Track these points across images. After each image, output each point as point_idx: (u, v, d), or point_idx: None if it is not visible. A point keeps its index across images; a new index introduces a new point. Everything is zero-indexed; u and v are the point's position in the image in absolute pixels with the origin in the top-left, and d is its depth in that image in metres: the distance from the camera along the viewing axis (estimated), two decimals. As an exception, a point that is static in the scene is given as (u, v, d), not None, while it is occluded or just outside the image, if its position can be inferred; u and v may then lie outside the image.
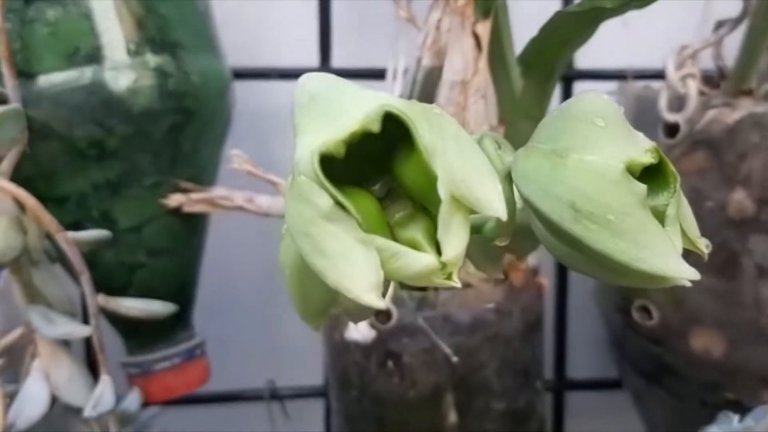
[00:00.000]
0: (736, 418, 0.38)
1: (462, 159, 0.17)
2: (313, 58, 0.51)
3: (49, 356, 0.36)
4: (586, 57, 0.56)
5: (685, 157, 0.41)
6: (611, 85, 0.52)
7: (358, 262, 0.16)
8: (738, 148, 0.40)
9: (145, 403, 0.42)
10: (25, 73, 0.36)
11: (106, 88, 0.37)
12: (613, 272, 0.21)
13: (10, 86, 0.34)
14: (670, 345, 0.44)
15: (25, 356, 0.37)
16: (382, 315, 0.40)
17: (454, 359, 0.39)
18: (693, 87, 0.41)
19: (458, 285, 0.17)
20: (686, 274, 0.20)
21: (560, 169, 0.20)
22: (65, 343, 0.38)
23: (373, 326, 0.40)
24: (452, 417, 0.40)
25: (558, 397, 0.56)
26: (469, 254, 0.29)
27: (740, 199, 0.40)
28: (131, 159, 0.38)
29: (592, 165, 0.20)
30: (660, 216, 0.21)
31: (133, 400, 0.39)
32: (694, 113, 0.41)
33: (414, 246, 0.18)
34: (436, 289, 0.41)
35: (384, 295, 0.17)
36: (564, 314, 0.55)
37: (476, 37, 0.34)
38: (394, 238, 0.18)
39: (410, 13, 0.38)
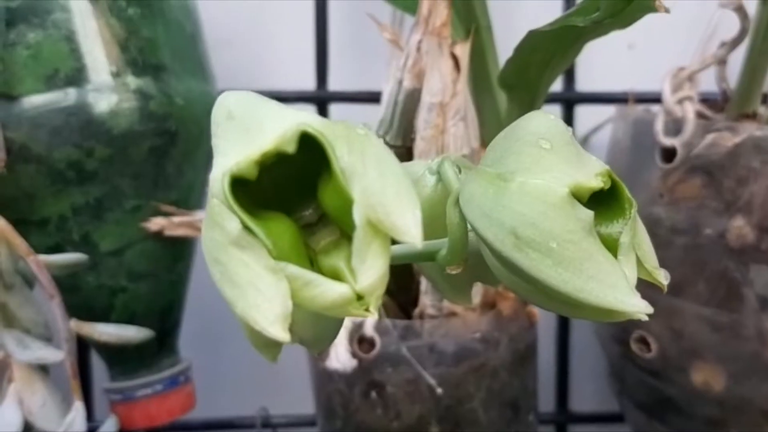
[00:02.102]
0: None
1: (382, 183, 0.16)
2: (310, 81, 0.51)
3: (24, 381, 0.36)
4: (590, 80, 0.55)
5: (683, 182, 0.40)
6: (613, 109, 0.50)
7: (266, 292, 0.16)
8: (737, 173, 0.38)
9: (128, 431, 0.41)
10: (6, 96, 0.36)
11: (86, 110, 0.36)
12: (560, 303, 0.19)
13: (-12, 108, 0.34)
14: (670, 378, 0.42)
15: (2, 380, 0.37)
16: (365, 344, 0.39)
17: (439, 390, 0.38)
18: (690, 110, 0.40)
19: (374, 316, 0.16)
20: (636, 307, 0.18)
21: (503, 193, 0.19)
22: (42, 368, 0.37)
23: (356, 355, 0.38)
24: (437, 450, 0.39)
25: (560, 430, 0.55)
26: (436, 283, 0.28)
27: (740, 227, 0.39)
28: (112, 181, 0.38)
29: (534, 189, 0.18)
30: (614, 244, 0.20)
31: (109, 426, 0.38)
32: (693, 137, 0.39)
33: (336, 274, 0.17)
34: (421, 316, 0.40)
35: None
36: (566, 345, 0.54)
37: (455, 59, 0.33)
38: (318, 266, 0.18)
39: (396, 35, 0.38)
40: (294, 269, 0.16)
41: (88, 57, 0.37)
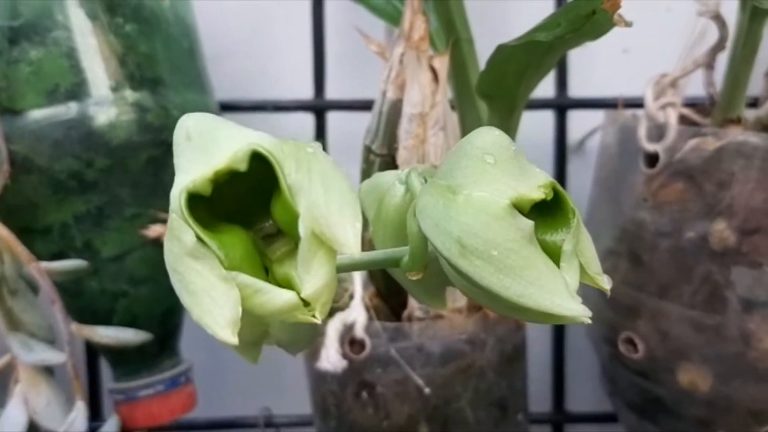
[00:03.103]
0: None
1: (326, 198, 0.17)
2: (308, 91, 0.52)
3: (29, 382, 0.37)
4: (586, 85, 0.56)
5: (666, 187, 0.41)
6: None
7: (218, 299, 0.17)
8: (719, 178, 0.39)
9: (131, 430, 0.43)
10: (9, 110, 0.38)
11: (86, 123, 0.38)
12: (506, 307, 0.21)
13: (-7, 123, 0.36)
14: (658, 378, 0.43)
15: (9, 382, 0.39)
16: (356, 345, 0.40)
17: (427, 390, 0.39)
18: (672, 116, 0.41)
19: (318, 320, 0.17)
20: (573, 311, 0.19)
21: (451, 204, 0.20)
22: (47, 370, 0.39)
23: (347, 357, 0.40)
24: (426, 449, 0.40)
25: (557, 430, 0.55)
26: (409, 289, 0.29)
27: (721, 230, 0.39)
28: (112, 191, 0.39)
29: (478, 201, 0.20)
30: (559, 252, 0.21)
31: (111, 425, 0.40)
32: (675, 142, 0.40)
33: (288, 281, 0.18)
34: (410, 319, 0.41)
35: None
36: (562, 346, 0.55)
37: (434, 71, 0.34)
38: (274, 273, 0.19)
39: (382, 48, 0.39)
40: (244, 278, 0.17)
41: (88, 72, 0.38)
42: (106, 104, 0.39)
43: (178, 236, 0.17)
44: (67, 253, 0.40)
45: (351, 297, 0.41)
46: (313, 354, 0.43)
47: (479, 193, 0.20)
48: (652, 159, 0.41)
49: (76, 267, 0.38)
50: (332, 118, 0.53)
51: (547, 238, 0.21)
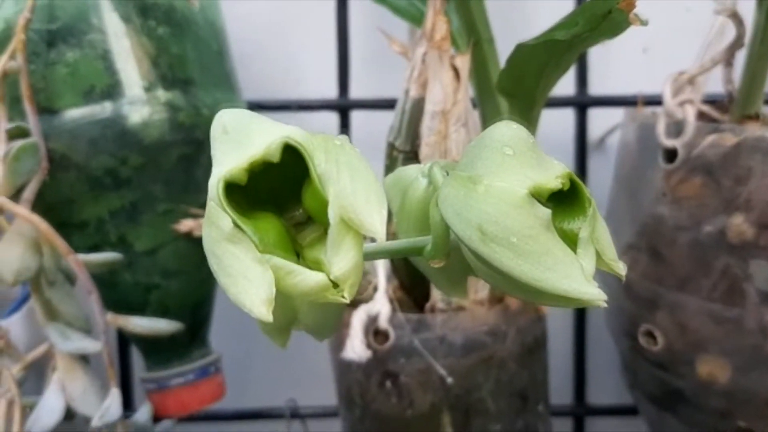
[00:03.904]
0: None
1: (353, 186, 0.19)
2: (332, 90, 0.54)
3: (66, 370, 0.39)
4: (605, 83, 0.56)
5: (684, 182, 0.41)
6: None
7: (253, 280, 0.18)
8: (736, 172, 0.40)
9: (162, 417, 0.44)
10: (47, 110, 0.39)
11: (120, 122, 0.40)
12: (524, 291, 0.22)
13: (32, 122, 0.38)
14: (677, 371, 0.44)
15: (47, 370, 0.41)
16: (380, 336, 0.41)
17: (449, 380, 0.40)
18: (690, 112, 0.41)
19: (347, 300, 0.19)
20: (590, 295, 0.20)
21: (472, 194, 0.21)
22: (83, 358, 0.40)
23: (371, 347, 0.41)
24: (449, 437, 0.41)
25: (578, 423, 0.56)
26: (431, 278, 0.30)
27: (739, 224, 0.40)
28: (145, 187, 0.41)
29: (497, 190, 0.21)
30: (576, 239, 0.22)
31: (143, 412, 0.41)
32: (693, 138, 0.41)
33: (318, 265, 0.19)
34: (433, 310, 0.42)
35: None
36: (583, 339, 0.55)
37: (455, 70, 0.35)
38: (304, 258, 0.20)
39: (404, 47, 0.40)
40: (278, 260, 0.18)
41: (122, 73, 0.40)
42: (140, 104, 0.40)
43: (216, 222, 0.19)
44: (102, 247, 0.41)
45: (375, 289, 0.42)
46: (339, 345, 0.44)
47: (499, 183, 0.21)
48: (670, 155, 0.42)
49: (112, 259, 0.39)
50: (356, 116, 0.54)
51: (565, 227, 0.22)
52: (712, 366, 0.43)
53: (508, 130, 0.22)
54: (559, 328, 0.53)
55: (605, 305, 0.21)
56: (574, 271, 0.21)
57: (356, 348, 0.40)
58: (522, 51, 0.30)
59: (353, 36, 0.53)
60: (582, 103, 0.53)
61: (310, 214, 0.20)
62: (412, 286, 0.43)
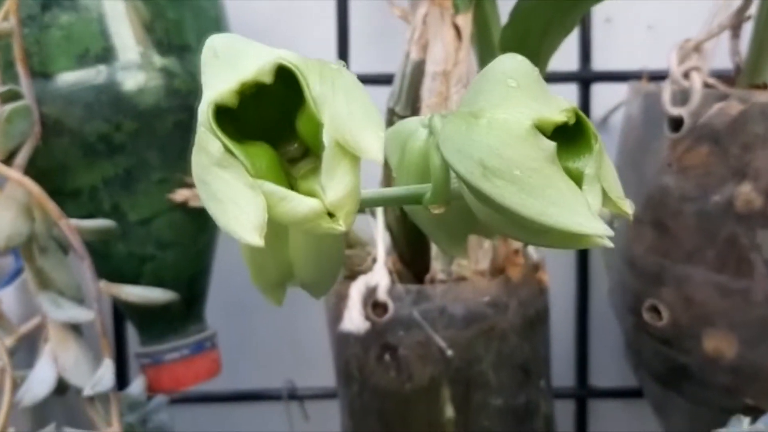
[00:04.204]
0: (746, 421, 0.37)
1: (349, 109, 0.18)
2: (332, 65, 0.53)
3: (58, 340, 0.38)
4: (611, 61, 0.56)
5: (690, 151, 0.41)
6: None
7: (244, 206, 0.17)
8: (743, 140, 0.39)
9: (157, 392, 0.43)
10: (41, 74, 0.39)
11: (115, 87, 0.39)
12: (527, 231, 0.21)
13: (24, 85, 0.37)
14: (682, 346, 0.43)
15: (39, 340, 0.40)
16: (379, 308, 0.41)
17: (449, 352, 0.39)
18: (697, 80, 0.40)
19: (342, 228, 0.18)
20: (596, 230, 0.19)
21: (474, 128, 0.20)
22: (75, 329, 0.40)
23: (369, 319, 0.40)
24: (449, 411, 0.40)
25: (581, 405, 0.55)
26: (431, 234, 0.30)
27: (747, 192, 0.39)
28: (139, 154, 0.40)
29: (500, 123, 0.20)
30: (581, 178, 0.21)
31: (137, 386, 0.40)
32: (699, 107, 0.40)
33: (312, 194, 0.18)
34: (432, 282, 0.41)
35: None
36: (585, 321, 0.54)
37: (457, 29, 0.34)
38: (298, 189, 0.19)
39: (404, 11, 0.39)
40: (269, 186, 0.18)
41: (117, 37, 0.39)
42: (135, 69, 0.39)
43: (206, 148, 0.18)
44: (95, 216, 0.40)
45: (374, 261, 0.41)
46: (336, 319, 0.43)
47: (502, 115, 0.20)
48: (676, 123, 0.41)
49: (106, 227, 0.38)
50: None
51: (570, 165, 0.21)
52: (719, 340, 0.42)
53: (512, 62, 0.21)
54: (561, 310, 0.52)
55: (610, 244, 0.20)
56: (580, 205, 0.20)
57: (354, 319, 0.39)
58: (525, 3, 0.30)
59: (353, 10, 0.53)
60: (585, 79, 0.53)
61: (304, 140, 0.19)
62: (412, 258, 0.43)
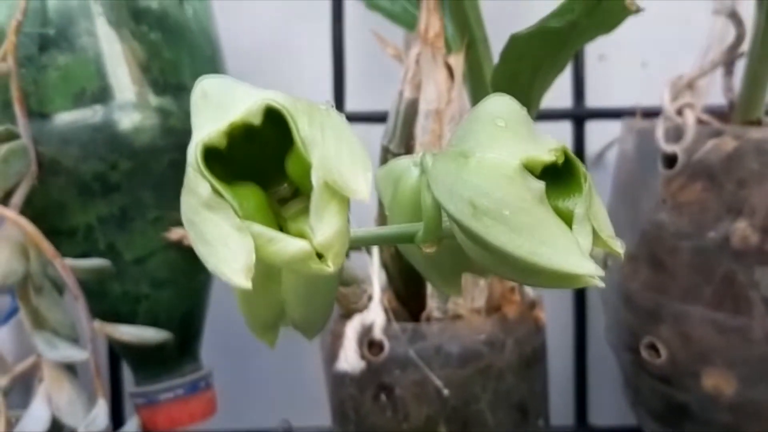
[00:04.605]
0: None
1: (338, 150, 0.18)
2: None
3: (53, 380, 0.38)
4: (604, 98, 0.56)
5: (685, 187, 0.41)
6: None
7: (232, 247, 0.17)
8: (738, 176, 0.39)
9: (151, 433, 0.43)
10: (38, 114, 0.39)
11: (111, 126, 0.39)
12: (519, 270, 0.21)
13: (21, 125, 0.37)
14: (681, 384, 0.43)
15: (33, 380, 0.39)
16: (375, 347, 0.40)
17: (445, 392, 0.39)
18: (690, 116, 0.41)
19: (331, 270, 0.18)
20: (587, 269, 0.19)
21: (463, 168, 0.20)
22: (70, 368, 0.39)
23: (365, 359, 0.40)
24: (446, 452, 0.40)
25: (581, 444, 0.55)
26: (425, 273, 0.30)
27: (743, 229, 0.39)
28: (135, 193, 0.40)
29: (489, 163, 0.20)
30: (572, 217, 0.21)
31: (131, 426, 0.40)
32: (693, 143, 0.40)
33: (301, 235, 0.18)
34: (428, 320, 0.41)
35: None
36: (583, 359, 0.54)
37: (449, 69, 0.35)
38: (287, 230, 0.19)
39: (398, 50, 0.40)
40: (258, 227, 0.18)
41: (113, 77, 0.39)
42: (131, 108, 0.40)
43: (194, 189, 0.18)
44: (90, 255, 0.40)
45: (370, 299, 0.41)
46: (332, 359, 0.43)
47: (491, 156, 0.20)
48: (670, 160, 0.41)
49: (101, 266, 0.38)
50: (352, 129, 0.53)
51: (560, 204, 0.21)
52: (718, 378, 0.41)
53: (500, 102, 0.21)
54: (558, 348, 0.52)
55: (601, 284, 0.20)
56: (570, 245, 0.20)
57: (350, 359, 0.39)
58: (516, 43, 0.30)
59: (349, 50, 0.53)
60: (579, 116, 0.53)
61: (293, 180, 0.19)
62: (407, 296, 0.42)
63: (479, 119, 0.21)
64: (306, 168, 0.18)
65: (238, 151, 0.19)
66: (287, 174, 0.20)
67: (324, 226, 0.17)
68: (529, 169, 0.20)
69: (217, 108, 0.19)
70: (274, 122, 0.19)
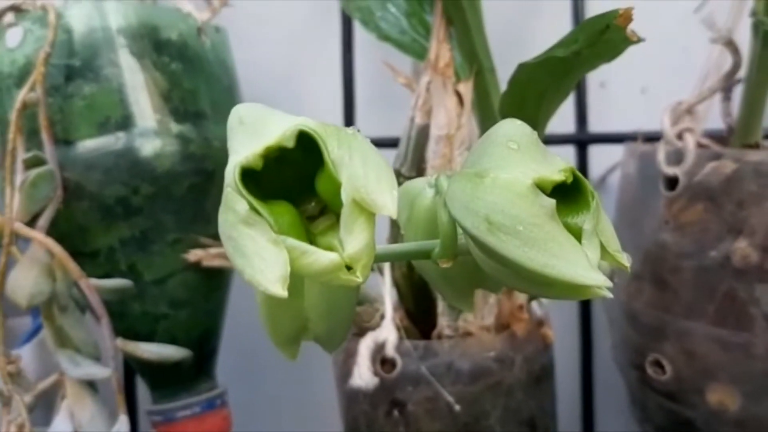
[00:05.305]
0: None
1: (365, 170, 0.19)
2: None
3: (75, 397, 0.39)
4: (604, 124, 0.58)
5: (686, 208, 0.42)
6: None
7: (268, 260, 0.19)
8: (737, 197, 0.41)
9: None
10: (64, 141, 0.41)
11: (133, 153, 0.41)
12: (532, 282, 0.22)
13: (48, 151, 0.39)
14: (686, 400, 0.44)
15: (57, 397, 0.41)
16: (388, 364, 0.41)
17: (456, 407, 0.40)
18: (690, 140, 0.42)
19: (360, 281, 0.19)
20: (596, 281, 0.21)
21: (479, 187, 0.22)
22: (92, 386, 0.41)
23: (378, 375, 0.41)
24: (458, 467, 0.41)
25: (588, 462, 0.55)
26: (438, 289, 0.31)
27: (743, 248, 0.40)
28: (155, 216, 0.42)
29: (503, 181, 0.21)
30: (580, 233, 0.22)
31: (150, 443, 0.41)
32: (694, 166, 0.42)
33: (331, 249, 0.20)
34: (440, 337, 0.42)
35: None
36: (590, 376, 0.55)
37: (459, 96, 0.36)
38: (317, 245, 0.21)
39: (409, 79, 0.41)
40: (292, 241, 0.19)
41: (136, 106, 0.41)
42: (152, 135, 0.41)
43: (232, 207, 0.19)
44: (112, 275, 0.42)
45: (382, 317, 0.42)
46: (345, 376, 0.44)
47: (505, 175, 0.22)
48: (672, 182, 0.43)
49: (123, 286, 0.40)
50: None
51: (569, 221, 0.23)
52: (722, 394, 0.42)
53: (512, 126, 0.22)
54: (565, 365, 0.53)
55: (610, 294, 0.21)
56: (580, 258, 0.21)
57: (363, 375, 0.40)
58: (523, 71, 0.32)
59: (358, 77, 0.55)
60: (582, 141, 0.55)
61: (323, 198, 0.20)
62: (418, 314, 0.44)
63: (493, 142, 0.23)
64: (336, 187, 0.19)
65: (271, 171, 0.21)
66: (316, 192, 0.21)
67: (353, 240, 0.19)
68: (541, 187, 0.22)
69: (253, 133, 0.20)
70: (304, 145, 0.20)
